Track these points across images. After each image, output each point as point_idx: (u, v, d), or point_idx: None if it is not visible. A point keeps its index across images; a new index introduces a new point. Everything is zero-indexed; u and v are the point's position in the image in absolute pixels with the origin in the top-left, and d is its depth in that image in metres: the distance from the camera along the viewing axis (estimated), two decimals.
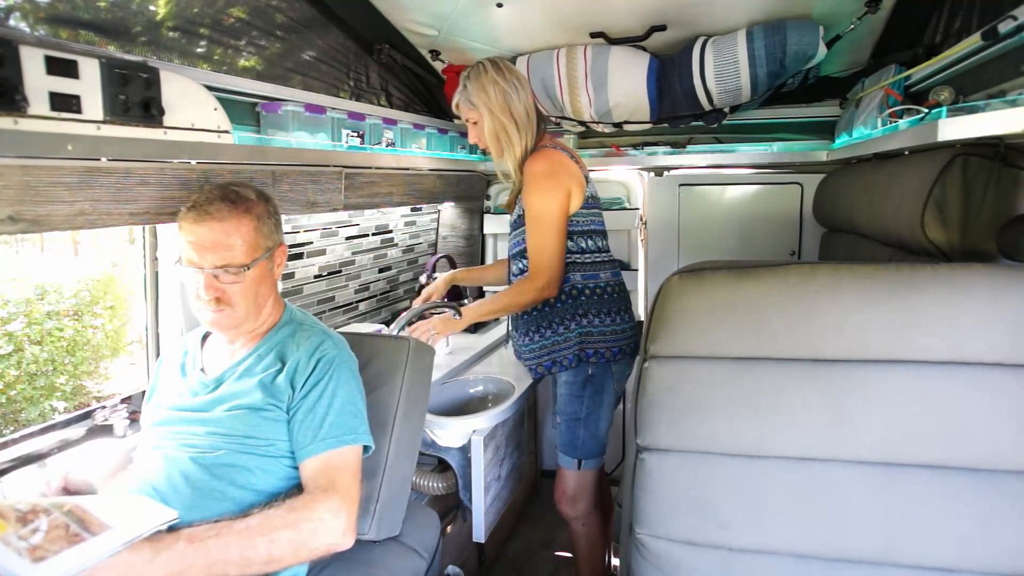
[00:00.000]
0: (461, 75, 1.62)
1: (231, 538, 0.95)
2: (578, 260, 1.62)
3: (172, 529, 0.92)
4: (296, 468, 1.12)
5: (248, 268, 1.11)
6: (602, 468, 1.79)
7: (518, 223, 1.68)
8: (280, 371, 1.14)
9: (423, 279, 2.53)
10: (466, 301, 2.47)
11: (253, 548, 0.96)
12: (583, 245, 1.63)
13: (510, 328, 1.82)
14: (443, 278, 1.95)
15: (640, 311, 2.64)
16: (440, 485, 1.75)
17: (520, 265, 1.68)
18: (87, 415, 1.39)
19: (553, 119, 2.20)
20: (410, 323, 1.77)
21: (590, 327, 1.62)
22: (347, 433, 1.11)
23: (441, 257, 2.63)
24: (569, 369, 1.64)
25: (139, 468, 1.14)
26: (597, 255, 1.67)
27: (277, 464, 1.11)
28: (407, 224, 2.57)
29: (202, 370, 1.21)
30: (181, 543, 0.92)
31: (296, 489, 1.11)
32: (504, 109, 1.58)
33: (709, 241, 2.61)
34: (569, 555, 2.25)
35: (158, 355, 1.43)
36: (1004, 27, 1.09)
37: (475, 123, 1.63)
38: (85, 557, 0.79)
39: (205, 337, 1.27)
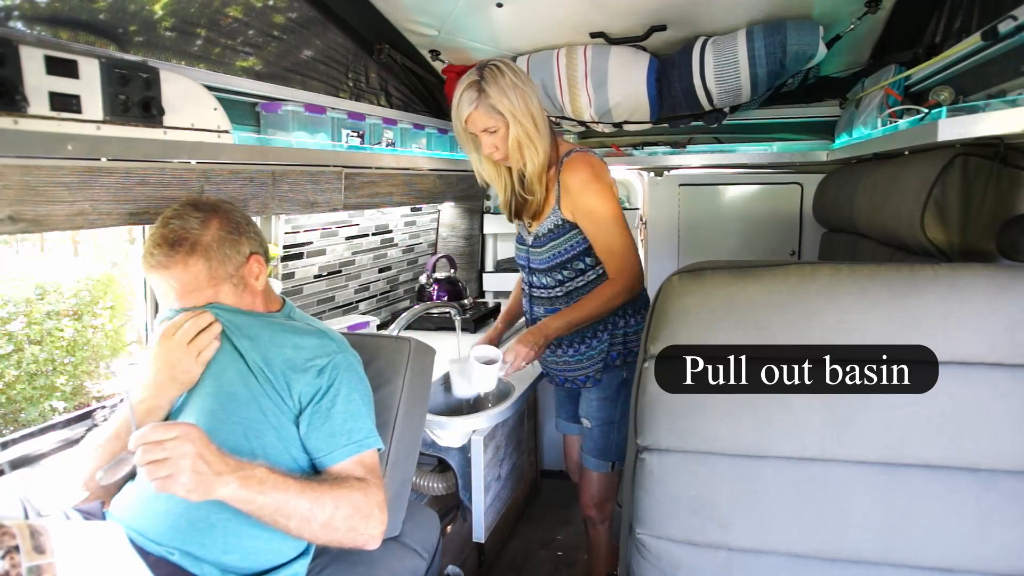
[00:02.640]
0: (467, 82, 1.45)
1: (308, 491, 0.97)
2: None
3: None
4: (297, 462, 1.11)
5: (206, 304, 1.10)
6: None
7: (558, 232, 1.57)
8: (284, 375, 1.12)
9: (423, 279, 2.53)
10: (466, 301, 2.47)
11: (321, 507, 0.97)
12: None
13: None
14: (494, 332, 1.89)
15: None
16: (440, 485, 1.75)
17: (559, 276, 1.61)
18: (87, 415, 1.38)
19: (553, 119, 2.20)
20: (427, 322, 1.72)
21: (627, 327, 1.62)
22: (368, 436, 1.12)
23: (441, 257, 2.63)
24: (606, 372, 1.64)
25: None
26: None
27: (280, 458, 1.10)
28: (407, 224, 2.57)
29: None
30: (263, 470, 0.94)
31: None
32: (527, 114, 1.45)
33: (709, 241, 2.61)
34: (560, 553, 2.26)
35: None
36: (1004, 27, 1.10)
37: (494, 131, 1.47)
38: None
39: None
